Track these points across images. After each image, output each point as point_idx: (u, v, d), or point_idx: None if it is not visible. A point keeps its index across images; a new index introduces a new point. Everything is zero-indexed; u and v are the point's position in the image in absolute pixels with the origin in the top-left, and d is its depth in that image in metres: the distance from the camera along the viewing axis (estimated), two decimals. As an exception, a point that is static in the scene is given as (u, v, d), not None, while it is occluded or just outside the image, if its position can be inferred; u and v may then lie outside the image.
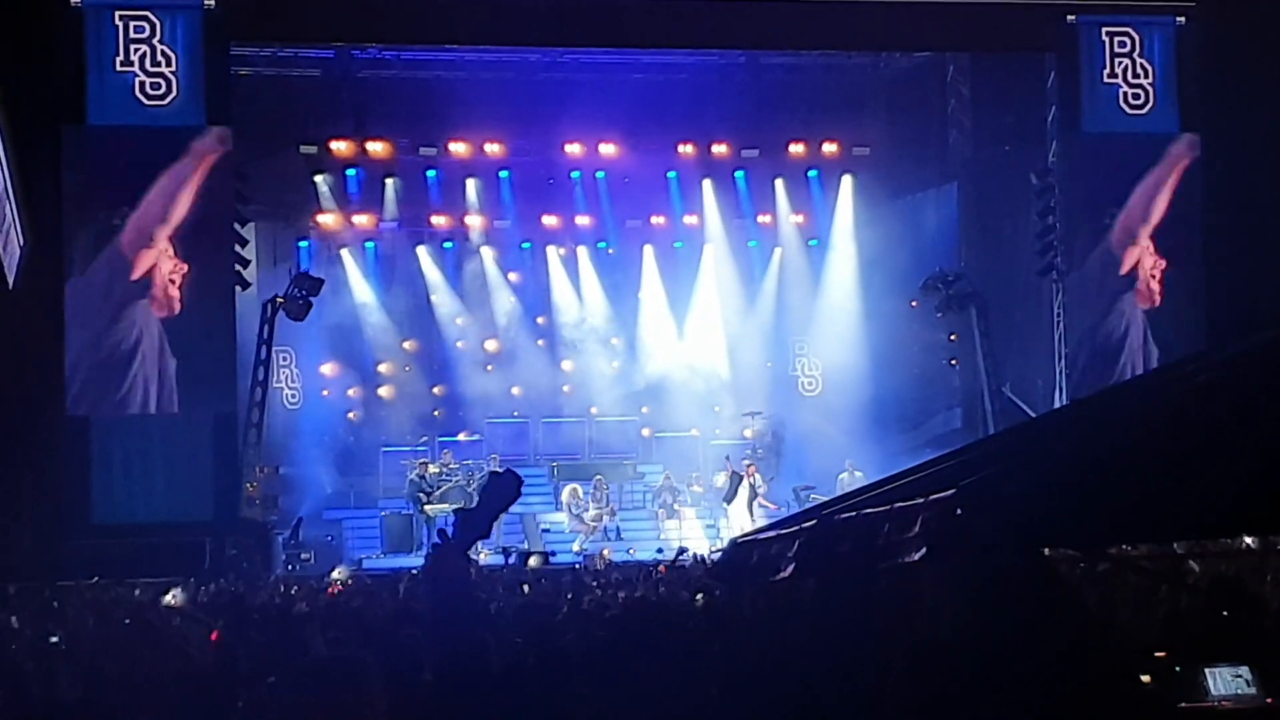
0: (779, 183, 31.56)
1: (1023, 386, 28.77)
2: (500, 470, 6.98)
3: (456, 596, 6.25)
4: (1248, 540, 12.38)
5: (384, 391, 31.09)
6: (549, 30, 26.90)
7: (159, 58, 24.68)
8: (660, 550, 25.91)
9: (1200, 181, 27.46)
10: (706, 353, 32.24)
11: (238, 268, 25.68)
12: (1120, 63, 27.59)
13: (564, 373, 32.01)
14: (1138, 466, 6.74)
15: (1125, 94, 27.59)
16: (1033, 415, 26.44)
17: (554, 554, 26.23)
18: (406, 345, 31.41)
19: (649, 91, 30.17)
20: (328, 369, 30.73)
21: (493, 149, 30.03)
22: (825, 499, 18.60)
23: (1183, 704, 8.37)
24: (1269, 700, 8.43)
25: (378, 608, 13.86)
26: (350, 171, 29.82)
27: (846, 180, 31.34)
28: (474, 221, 31.21)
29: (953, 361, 30.96)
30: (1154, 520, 7.13)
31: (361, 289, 30.86)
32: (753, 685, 7.84)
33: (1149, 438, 6.99)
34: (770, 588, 9.01)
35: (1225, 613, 9.40)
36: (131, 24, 24.67)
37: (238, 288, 25.75)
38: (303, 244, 30.25)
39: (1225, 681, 8.42)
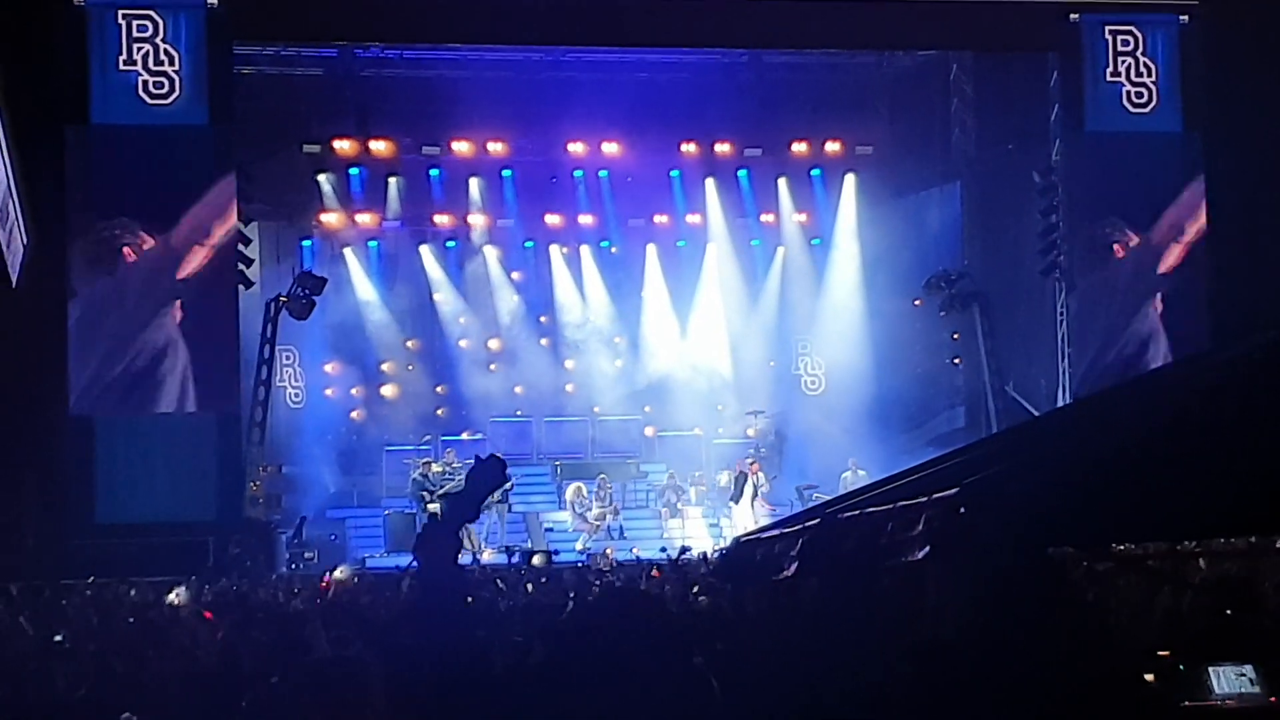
0: (782, 182, 31.56)
1: (1026, 386, 28.76)
2: (485, 455, 6.97)
3: (444, 575, 6.26)
4: (1251, 539, 12.37)
5: (387, 390, 31.10)
6: (552, 29, 26.91)
7: (162, 57, 24.69)
8: (663, 549, 25.90)
9: (1204, 180, 27.43)
10: (709, 352, 32.24)
11: (241, 267, 25.69)
12: (1123, 61, 27.57)
13: (567, 372, 32.02)
14: (1141, 465, 6.74)
15: (1128, 93, 27.58)
16: (1036, 414, 26.43)
17: (557, 553, 26.23)
18: (409, 344, 31.42)
19: (652, 90, 30.17)
20: (331, 368, 30.75)
21: (496, 148, 30.04)
22: (828, 498, 18.62)
23: (1186, 703, 8.37)
24: (1272, 699, 8.43)
25: (375, 605, 13.87)
26: (353, 170, 29.83)
27: (849, 179, 31.34)
28: (477, 220, 31.22)
29: (956, 360, 30.95)
30: (1157, 519, 7.12)
31: (365, 288, 30.87)
32: (755, 684, 7.84)
33: (1152, 437, 6.99)
34: (773, 586, 9.01)
35: (1229, 612, 9.40)
36: (135, 23, 24.68)
37: (241, 287, 25.75)
38: (306, 243, 30.26)
39: (1229, 680, 8.42)
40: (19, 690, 9.52)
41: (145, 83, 24.63)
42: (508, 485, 27.89)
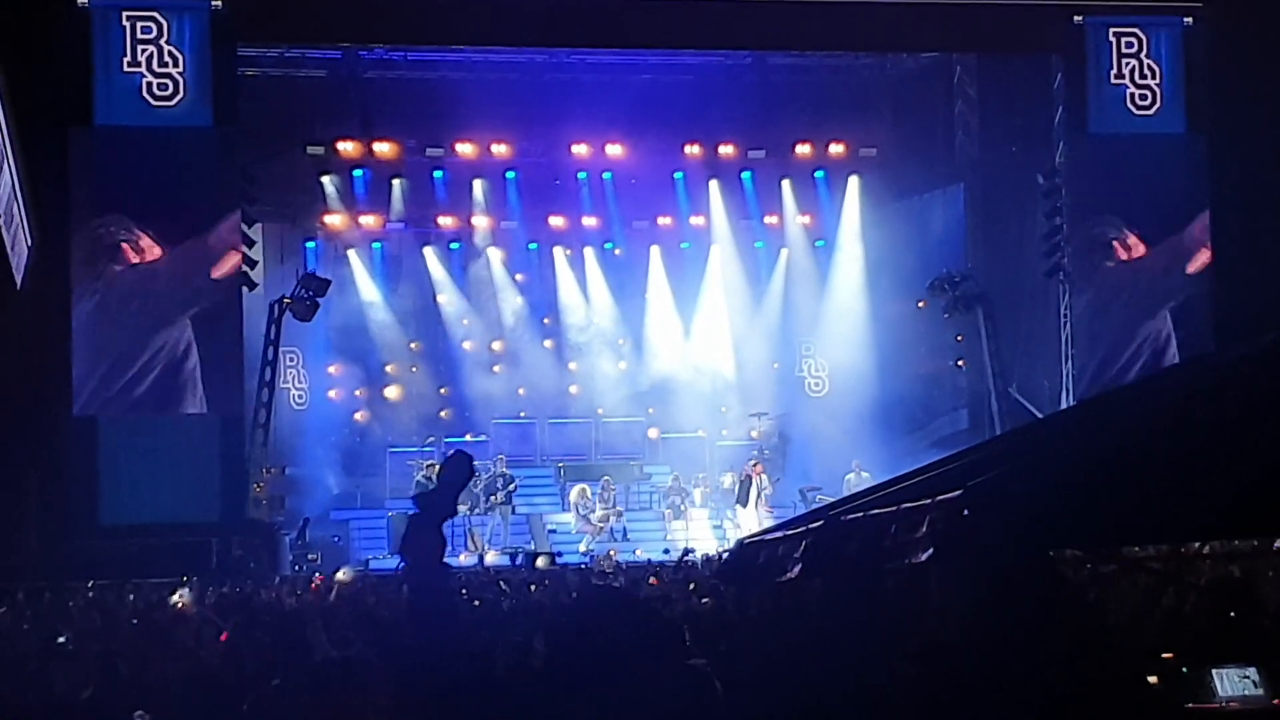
0: (785, 184, 31.55)
1: (1029, 387, 28.75)
2: (452, 452, 7.06)
3: (432, 574, 6.26)
4: (1254, 541, 12.37)
5: (390, 392, 31.11)
6: (555, 31, 26.92)
7: (166, 58, 24.70)
8: (666, 551, 25.92)
9: (1207, 182, 27.42)
10: (713, 353, 32.23)
11: (244, 268, 25.69)
12: (1127, 63, 27.56)
13: (570, 373, 32.01)
14: (1144, 468, 6.74)
15: (1132, 95, 27.57)
16: (1039, 416, 26.42)
17: (560, 555, 26.25)
18: (413, 346, 31.43)
19: (655, 92, 30.18)
20: (334, 369, 30.75)
21: (499, 150, 30.04)
22: (831, 500, 18.62)
23: (1190, 705, 8.37)
24: (1275, 701, 8.42)
25: (378, 606, 13.88)
26: (357, 172, 29.84)
27: (853, 181, 31.33)
28: (480, 222, 31.21)
29: (959, 363, 30.94)
30: (1160, 521, 7.12)
31: (368, 289, 30.88)
32: (759, 685, 7.84)
33: (1155, 439, 6.99)
34: (777, 588, 9.01)
35: (1231, 614, 9.39)
36: (139, 24, 24.69)
37: (245, 288, 25.76)
38: (310, 244, 30.26)
39: (1232, 682, 8.42)
40: (23, 691, 9.53)
41: (149, 84, 24.65)
42: (511, 487, 27.96)
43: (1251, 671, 8.44)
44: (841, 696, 7.15)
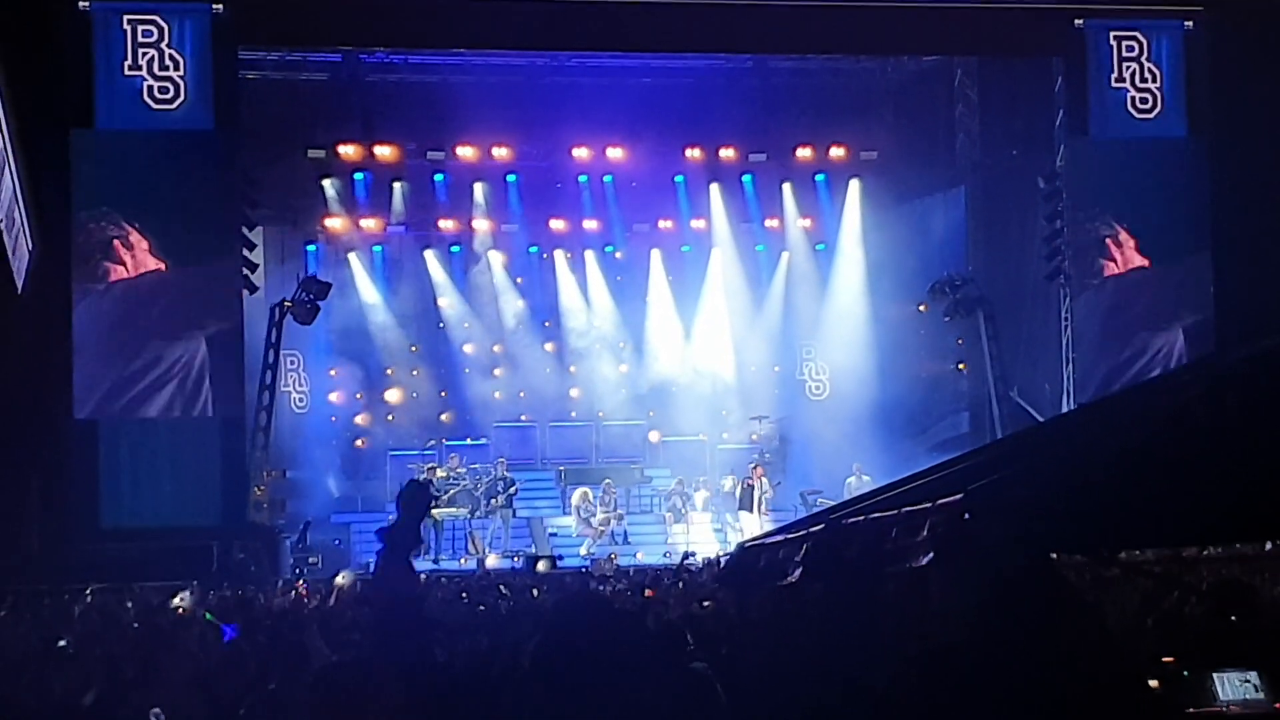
0: (786, 187, 31.57)
1: (1030, 391, 28.76)
2: (406, 483, 7.10)
3: (406, 607, 6.26)
4: (1256, 545, 12.38)
5: (391, 395, 31.11)
6: (556, 34, 26.95)
7: (167, 62, 24.72)
8: (666, 554, 25.93)
9: (1208, 186, 27.42)
10: (714, 356, 32.25)
11: (245, 271, 25.70)
12: (1128, 67, 27.57)
13: (571, 377, 32.01)
14: (1146, 471, 6.74)
15: (1133, 98, 27.57)
16: (1040, 420, 26.42)
17: (561, 558, 26.26)
18: (413, 349, 31.44)
19: (656, 95, 30.21)
20: (335, 373, 30.76)
21: (500, 153, 30.05)
22: (832, 503, 18.62)
23: (1191, 709, 8.37)
24: (1277, 705, 8.42)
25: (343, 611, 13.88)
26: (358, 175, 29.85)
27: (854, 184, 31.35)
28: (481, 225, 31.22)
29: (960, 366, 30.96)
30: (1162, 525, 7.12)
31: (369, 292, 30.89)
32: (759, 689, 7.84)
33: (1156, 442, 6.98)
34: (777, 591, 9.01)
35: (1233, 617, 9.39)
36: (140, 28, 24.71)
37: (245, 291, 25.77)
38: (310, 248, 30.27)
39: (1233, 686, 8.41)
40: (23, 694, 9.53)
41: (150, 88, 24.66)
42: (512, 490, 27.97)
43: (1252, 675, 8.44)
44: (842, 700, 7.15)
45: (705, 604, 13.40)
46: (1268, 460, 6.52)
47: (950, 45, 28.87)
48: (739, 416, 31.51)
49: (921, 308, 30.83)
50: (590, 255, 32.05)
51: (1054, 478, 7.09)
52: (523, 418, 31.38)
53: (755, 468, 28.14)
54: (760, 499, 27.50)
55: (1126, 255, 27.57)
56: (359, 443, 30.56)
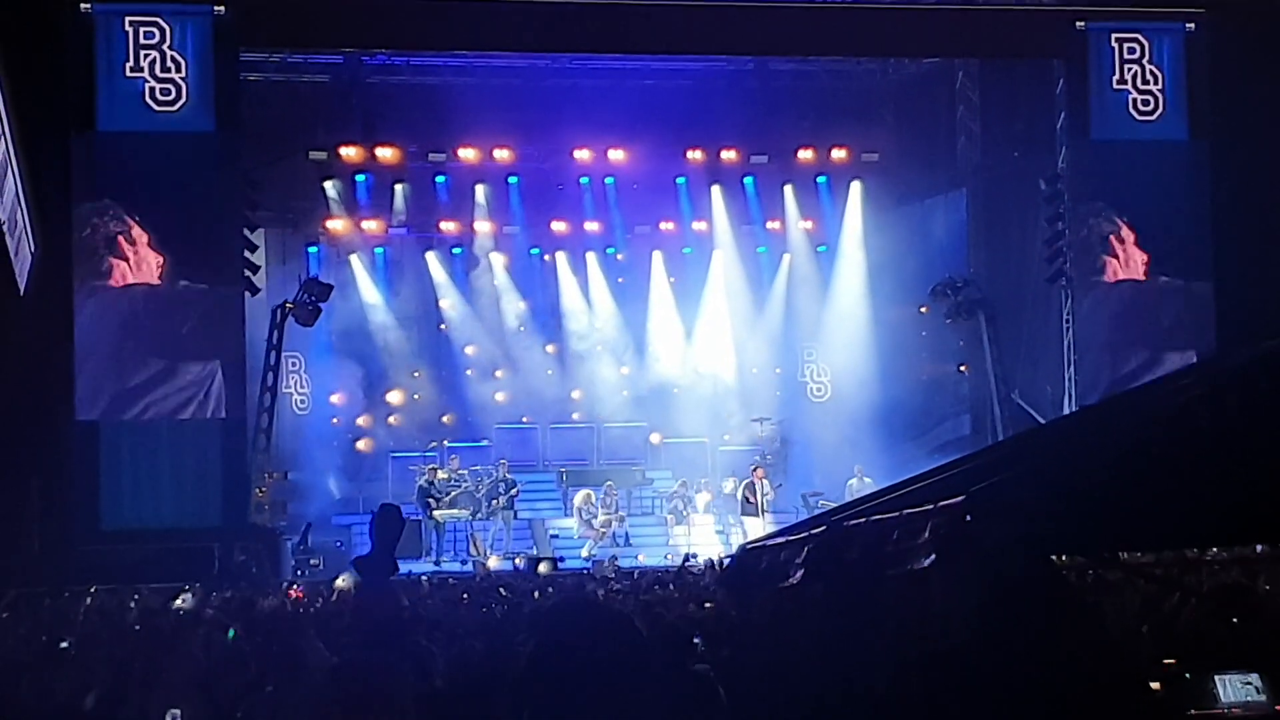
0: (788, 189, 31.58)
1: (1031, 393, 28.75)
2: (380, 507, 7.08)
3: (391, 634, 6.25)
4: (1258, 547, 12.36)
5: (392, 397, 31.12)
6: (557, 36, 26.95)
7: (169, 64, 24.73)
8: (667, 556, 25.92)
9: (1209, 188, 27.41)
10: (715, 358, 32.26)
11: (247, 273, 25.71)
12: (1129, 69, 27.57)
13: (572, 378, 32.02)
14: (1147, 473, 6.74)
15: (1134, 100, 27.57)
16: (1041, 421, 26.40)
17: (562, 559, 26.26)
18: (415, 351, 31.44)
19: (657, 97, 30.22)
20: (336, 374, 30.76)
21: (501, 155, 30.06)
22: (834, 505, 18.61)
23: (1192, 711, 8.36)
24: (1278, 708, 8.41)
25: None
26: (359, 177, 29.87)
27: (855, 186, 31.35)
28: (483, 227, 31.24)
29: (961, 368, 30.96)
30: (1164, 527, 7.12)
31: (370, 294, 30.91)
32: (761, 690, 7.84)
33: (1157, 444, 6.98)
34: (779, 593, 9.00)
35: (1235, 620, 9.38)
36: (141, 30, 24.72)
37: (247, 293, 25.77)
38: (312, 249, 30.30)
39: (1235, 688, 8.40)
40: (24, 696, 9.53)
41: (152, 89, 24.67)
42: (513, 492, 27.96)
43: (1254, 677, 8.43)
44: (843, 701, 7.15)
45: (707, 605, 13.40)
46: (1269, 462, 6.52)
47: (952, 47, 28.88)
48: (740, 418, 31.50)
49: (923, 309, 30.84)
50: (592, 257, 32.06)
51: (1055, 480, 7.08)
52: (524, 419, 31.38)
53: (756, 469, 28.13)
54: (762, 501, 27.49)
55: (1129, 252, 27.53)
56: (360, 444, 30.57)
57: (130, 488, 24.38)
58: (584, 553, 27.28)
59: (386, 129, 29.77)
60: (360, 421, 30.88)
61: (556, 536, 28.23)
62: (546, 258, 32.20)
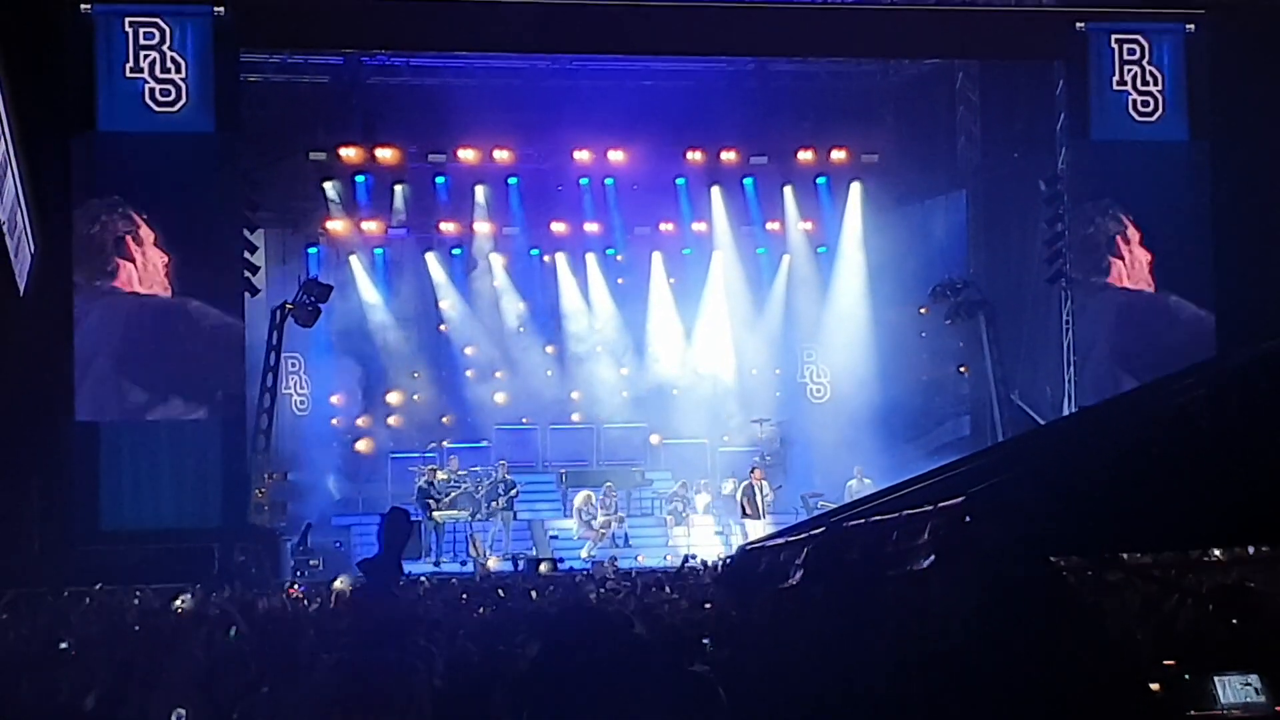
0: (787, 190, 31.57)
1: (1031, 394, 28.75)
2: (387, 510, 7.06)
3: (390, 634, 6.23)
4: (1258, 548, 12.35)
5: (392, 398, 31.12)
6: (557, 37, 26.95)
7: (169, 64, 24.72)
8: (666, 557, 25.90)
9: (1209, 189, 27.41)
10: (715, 359, 32.25)
11: (246, 274, 25.70)
12: (1129, 70, 27.57)
13: (572, 379, 32.01)
14: (1147, 474, 6.74)
15: (1134, 101, 27.57)
16: (1041, 423, 26.40)
17: (562, 560, 26.25)
18: (414, 351, 31.43)
19: (657, 98, 30.22)
20: (336, 375, 30.76)
21: (501, 156, 30.06)
22: (834, 506, 18.61)
23: (1192, 712, 8.36)
24: (1278, 708, 8.41)
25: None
26: (359, 178, 29.87)
27: (855, 187, 31.35)
28: (482, 228, 31.23)
29: (961, 369, 30.95)
30: (1163, 528, 7.12)
31: (370, 295, 30.90)
32: (760, 692, 7.84)
33: (1158, 445, 6.98)
34: (778, 595, 9.01)
35: (1234, 621, 9.39)
36: (141, 30, 24.72)
37: (246, 294, 25.76)
38: (312, 250, 30.29)
39: (1234, 690, 8.41)
40: (24, 697, 9.53)
41: (152, 90, 24.67)
42: (513, 492, 27.98)
43: (1254, 678, 8.44)
44: (843, 702, 7.15)
45: (707, 606, 13.40)
46: (1269, 462, 6.52)
47: (952, 48, 28.87)
48: (740, 419, 31.50)
49: (923, 311, 30.83)
50: (591, 258, 32.06)
51: (1054, 481, 7.09)
52: (523, 420, 31.37)
53: (754, 470, 28.12)
54: (761, 503, 27.49)
55: (1134, 253, 27.50)
56: (360, 445, 30.57)
57: (130, 488, 24.37)
58: (583, 554, 27.28)
59: (386, 130, 29.77)
60: (360, 422, 30.87)
61: (556, 537, 28.23)
62: (546, 258, 32.19)
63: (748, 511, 27.44)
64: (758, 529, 26.53)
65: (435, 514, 27.17)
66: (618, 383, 32.01)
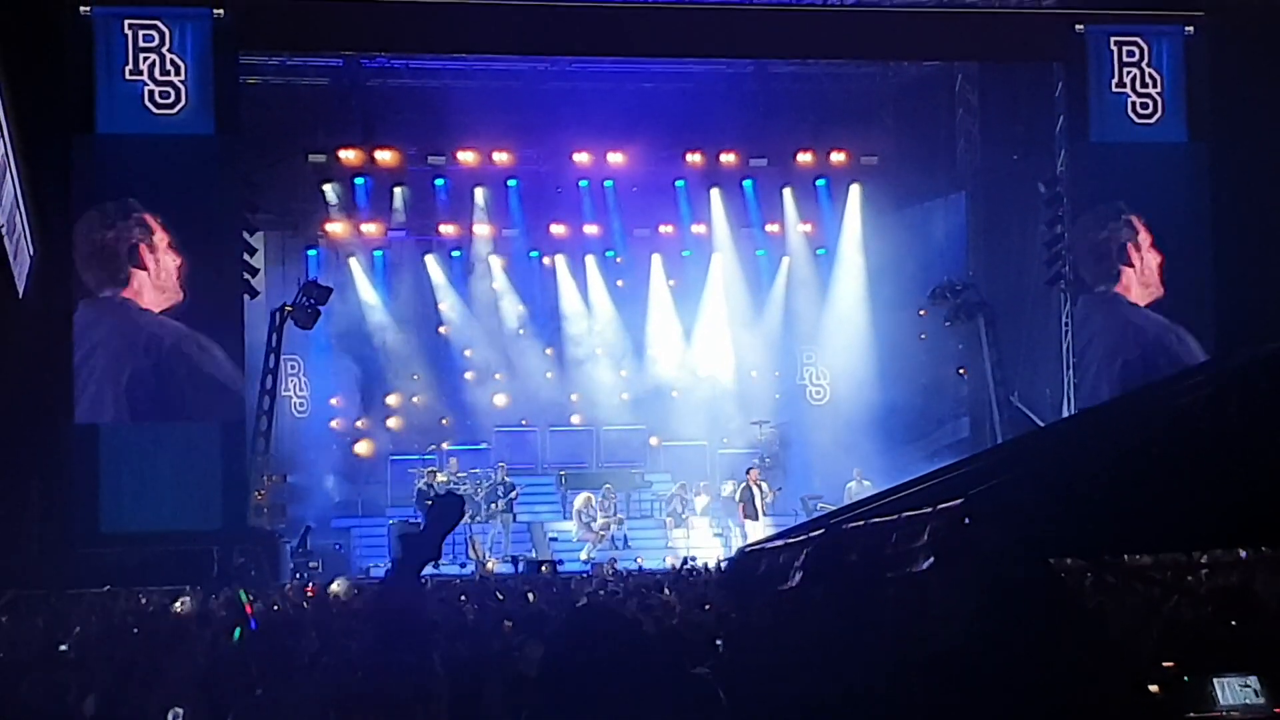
0: (787, 192, 31.59)
1: (1031, 396, 28.75)
2: (442, 494, 7.06)
3: (407, 617, 6.22)
4: (1257, 550, 12.36)
5: (391, 400, 31.13)
6: (557, 39, 26.96)
7: (168, 66, 24.73)
8: (666, 559, 25.89)
9: (1209, 190, 27.42)
10: (714, 361, 32.26)
11: (246, 276, 25.70)
12: (1128, 72, 27.58)
13: (571, 381, 32.01)
14: (1146, 475, 6.74)
15: (1133, 103, 27.58)
16: (1041, 424, 26.40)
17: (561, 562, 26.25)
18: (414, 353, 31.43)
19: (657, 100, 30.23)
20: (335, 377, 30.76)
21: (501, 158, 30.07)
22: (833, 508, 18.61)
23: (1191, 714, 8.36)
24: (1277, 710, 8.41)
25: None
26: (359, 180, 29.88)
27: (854, 189, 31.37)
28: (482, 230, 31.24)
29: (961, 371, 30.95)
30: (1162, 530, 7.12)
31: (369, 297, 30.91)
32: (760, 694, 7.84)
33: (1156, 447, 6.98)
34: (778, 597, 9.01)
35: (1233, 622, 9.39)
36: (141, 33, 24.72)
37: (246, 296, 25.76)
38: (311, 252, 30.31)
39: (1233, 691, 8.41)
40: (24, 698, 9.53)
41: (151, 92, 24.67)
42: (512, 494, 27.97)
43: (1253, 680, 8.44)
44: (843, 704, 7.15)
45: (706, 607, 13.41)
46: (1269, 463, 6.52)
47: (951, 50, 28.89)
48: (739, 421, 31.50)
49: (922, 313, 30.83)
50: (591, 260, 32.07)
51: (1054, 482, 7.08)
52: (523, 422, 31.37)
53: (750, 471, 28.08)
54: (760, 503, 27.48)
55: (1145, 257, 27.47)
56: (359, 447, 30.57)
57: (130, 490, 24.36)
58: (583, 555, 27.28)
59: (386, 132, 29.78)
60: (359, 424, 30.88)
61: (555, 539, 28.23)
62: (545, 260, 32.19)
63: (745, 513, 27.44)
64: (757, 531, 26.52)
65: (434, 516, 27.13)
66: (617, 385, 32.01)
